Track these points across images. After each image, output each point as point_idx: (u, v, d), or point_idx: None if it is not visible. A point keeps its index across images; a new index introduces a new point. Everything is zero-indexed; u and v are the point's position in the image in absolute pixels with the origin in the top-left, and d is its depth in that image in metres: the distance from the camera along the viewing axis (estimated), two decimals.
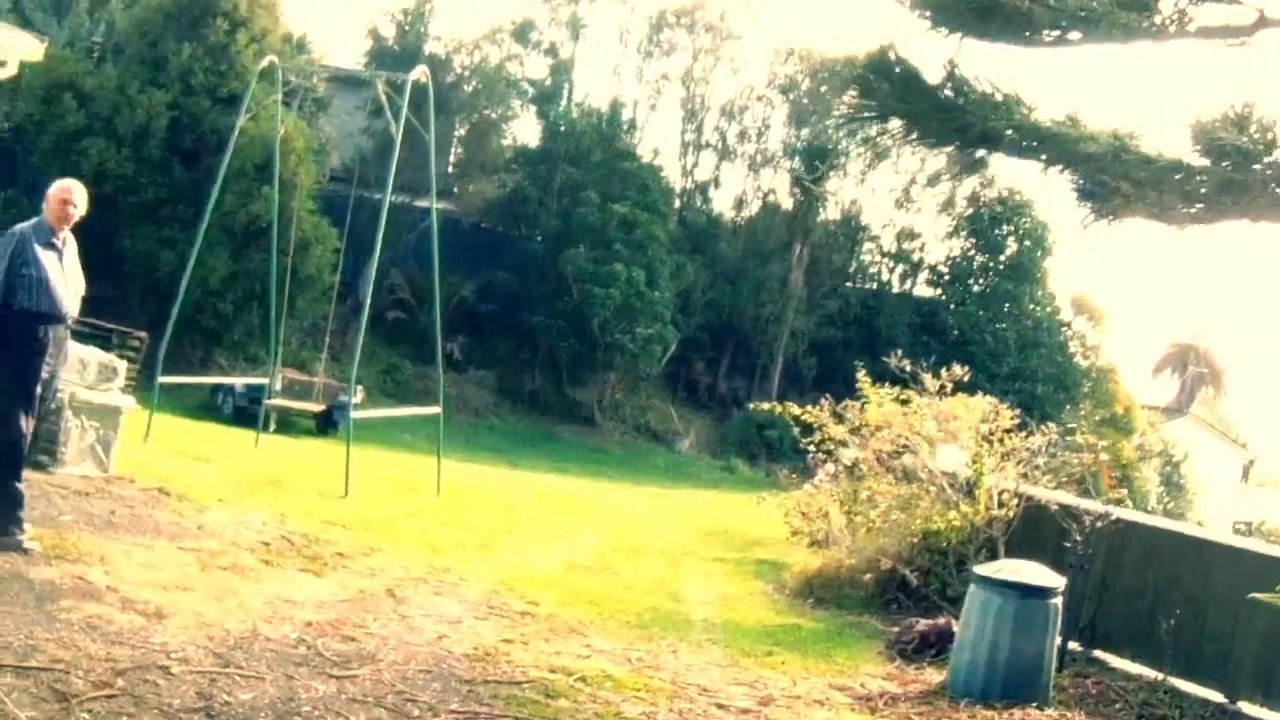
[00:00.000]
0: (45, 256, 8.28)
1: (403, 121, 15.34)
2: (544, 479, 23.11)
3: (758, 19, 41.03)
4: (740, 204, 41.32)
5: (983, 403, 14.67)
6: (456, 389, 30.47)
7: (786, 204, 40.85)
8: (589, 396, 34.61)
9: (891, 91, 8.13)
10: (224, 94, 24.89)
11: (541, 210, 34.02)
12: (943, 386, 14.95)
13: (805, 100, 40.47)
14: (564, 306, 32.76)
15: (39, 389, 8.36)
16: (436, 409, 16.52)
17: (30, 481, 9.99)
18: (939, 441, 15.31)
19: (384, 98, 17.14)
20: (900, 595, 13.24)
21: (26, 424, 8.30)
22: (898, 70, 8.01)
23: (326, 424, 21.90)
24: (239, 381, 21.91)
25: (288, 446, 18.67)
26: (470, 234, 33.44)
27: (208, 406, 22.60)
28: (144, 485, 11.46)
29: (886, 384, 15.57)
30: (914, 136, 8.54)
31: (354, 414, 14.78)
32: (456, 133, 34.76)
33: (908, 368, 15.04)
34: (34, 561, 7.98)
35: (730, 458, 34.05)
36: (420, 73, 16.14)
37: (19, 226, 8.45)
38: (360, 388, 23.64)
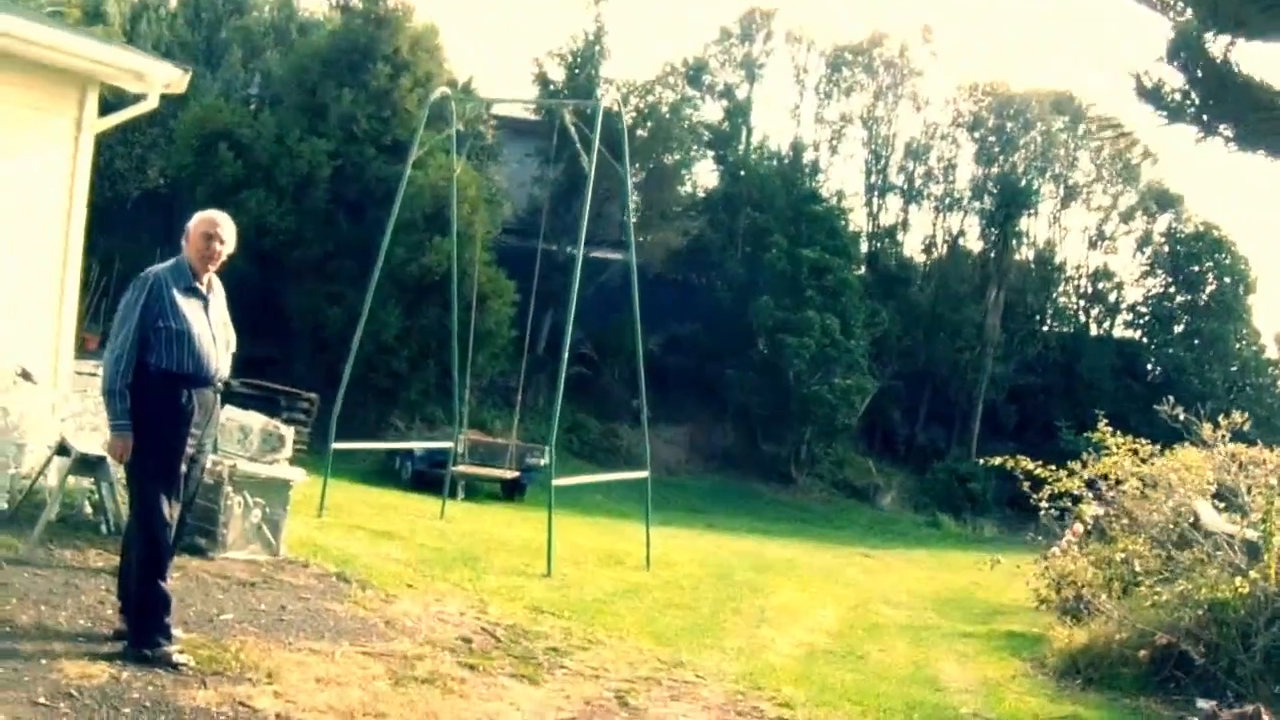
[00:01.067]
0: (187, 305, 6.59)
1: (595, 155, 13.46)
2: (748, 542, 21.26)
3: (938, 54, 39.12)
4: (929, 247, 39.38)
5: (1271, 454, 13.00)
6: (638, 446, 28.69)
7: (977, 245, 38.90)
8: (784, 451, 32.70)
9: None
10: (388, 141, 23.61)
11: (726, 257, 32.30)
12: (1222, 435, 13.36)
13: (991, 138, 38.40)
14: (755, 358, 31.09)
15: (184, 466, 6.64)
16: (644, 473, 14.60)
17: (185, 570, 8.27)
18: (1202, 494, 13.51)
19: (571, 129, 15.40)
20: (1178, 673, 11.31)
21: (170, 510, 6.55)
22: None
23: (514, 488, 20.15)
24: (419, 446, 20.27)
25: (476, 516, 16.91)
26: (653, 284, 31.62)
27: (384, 471, 21.08)
28: (319, 570, 9.67)
29: (1092, 432, 15.02)
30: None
31: (556, 481, 12.86)
32: (633, 179, 33.12)
33: (1181, 415, 13.42)
34: (185, 681, 6.18)
35: (935, 512, 32.40)
36: (612, 100, 14.42)
37: (153, 269, 6.72)
38: (549, 448, 21.99)
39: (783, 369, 30.35)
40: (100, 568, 8.12)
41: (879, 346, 34.28)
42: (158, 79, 11.17)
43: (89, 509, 9.79)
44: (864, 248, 37.32)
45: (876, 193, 38.76)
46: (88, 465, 8.74)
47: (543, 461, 21.50)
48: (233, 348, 6.91)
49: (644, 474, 14.49)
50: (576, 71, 30.24)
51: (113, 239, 21.55)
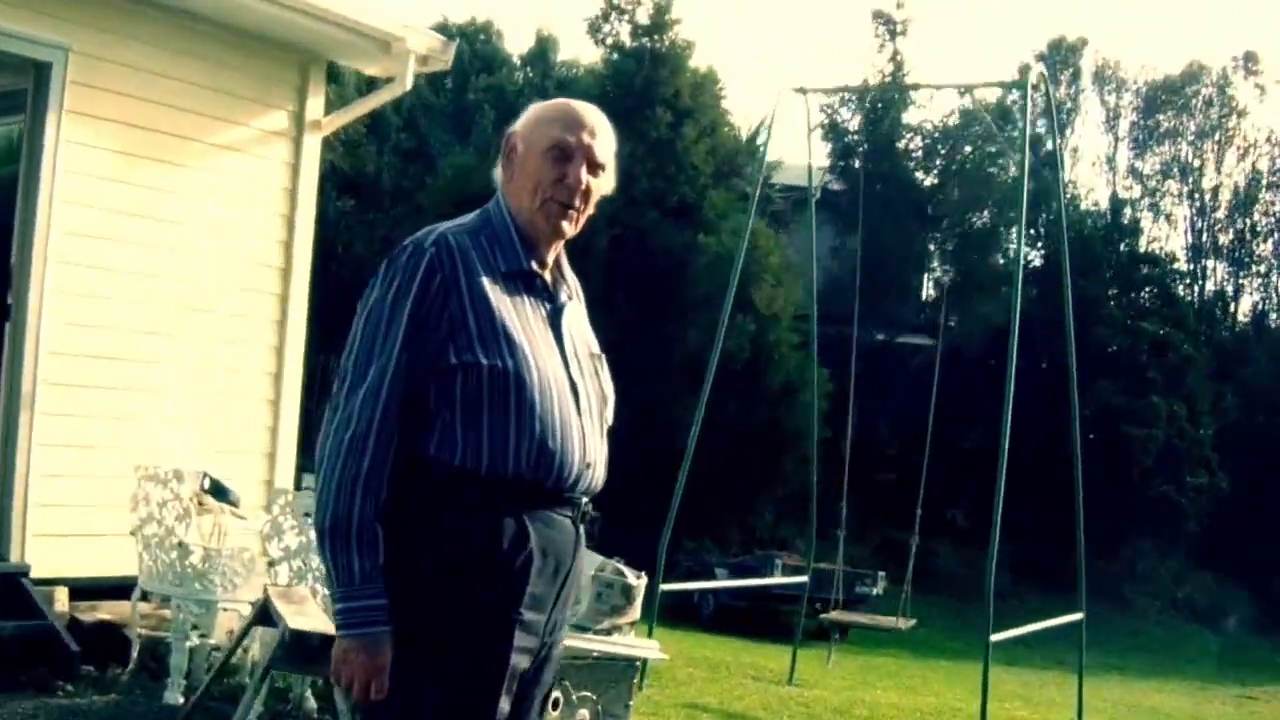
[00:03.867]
0: (516, 314, 2.55)
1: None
2: (1118, 686, 16.50)
3: (1265, 90, 33.74)
4: (1261, 315, 33.89)
5: None
6: (964, 568, 24.17)
7: None
8: (1116, 566, 27.53)
9: None
10: (673, 203, 19.79)
11: (1052, 331, 27.73)
12: None
13: None
14: (1090, 453, 26.16)
15: (506, 701, 2.51)
16: (1077, 615, 10.14)
17: None
18: None
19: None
20: None
21: None
22: None
23: (843, 628, 15.81)
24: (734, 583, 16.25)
25: (827, 672, 12.59)
26: (970, 369, 27.28)
27: (678, 609, 17.06)
28: None
29: None
30: None
31: (996, 636, 8.29)
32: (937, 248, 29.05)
33: None
34: None
35: None
36: (1037, 74, 10.49)
37: (431, 232, 2.57)
38: (882, 575, 17.81)
39: (1126, 466, 25.50)
40: None
41: (1220, 437, 29.06)
42: (412, 49, 7.58)
43: (311, 703, 6.06)
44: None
45: (1200, 254, 33.56)
46: (306, 653, 4.83)
47: (875, 590, 17.58)
48: (610, 417, 2.87)
49: (1078, 616, 10.06)
50: (877, 118, 26.26)
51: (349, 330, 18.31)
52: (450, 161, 21.48)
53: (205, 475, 6.50)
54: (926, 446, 13.77)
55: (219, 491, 6.49)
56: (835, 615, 12.39)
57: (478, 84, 26.12)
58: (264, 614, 5.17)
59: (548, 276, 2.67)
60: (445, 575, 2.44)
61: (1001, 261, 28.74)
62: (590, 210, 2.66)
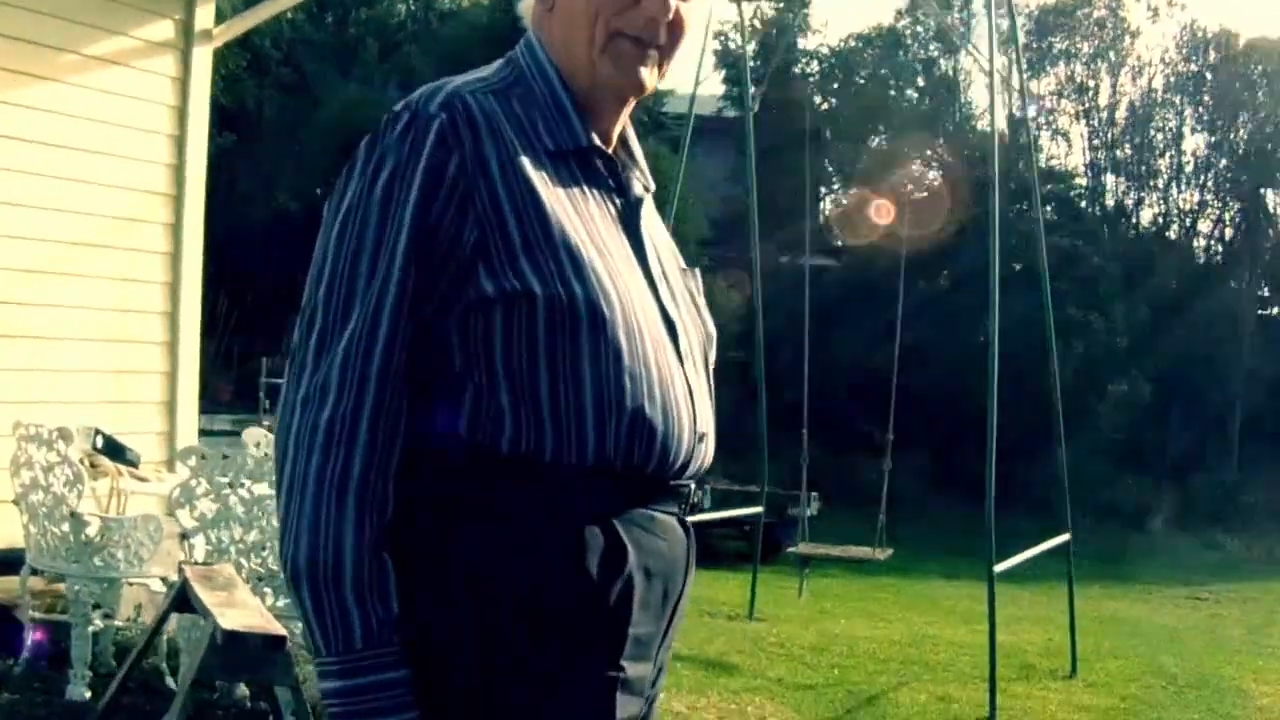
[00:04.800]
0: (578, 212, 1.66)
1: None
2: (1062, 594, 16.25)
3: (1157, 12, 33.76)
4: (1161, 229, 34.13)
5: None
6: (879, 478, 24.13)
7: (1212, 223, 34.14)
8: (1038, 475, 27.70)
9: None
10: None
11: (960, 253, 27.71)
12: None
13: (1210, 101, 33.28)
14: (1008, 366, 26.14)
15: None
16: (1064, 536, 9.48)
17: None
18: None
19: None
20: None
21: None
22: None
23: (769, 549, 14.90)
24: None
25: (778, 602, 11.91)
26: (880, 290, 27.29)
27: None
28: None
29: None
30: None
31: (1000, 565, 7.42)
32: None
33: None
34: None
35: (1215, 534, 27.01)
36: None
37: (439, 90, 1.63)
38: (815, 496, 17.09)
39: (1044, 378, 25.50)
40: None
41: (1135, 346, 29.40)
42: None
43: (243, 690, 5.26)
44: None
45: (1098, 171, 33.66)
46: (242, 658, 3.94)
47: (810, 512, 16.87)
48: (713, 353, 1.86)
49: (1064, 538, 9.46)
50: (772, 43, 25.65)
51: (241, 269, 17.88)
52: (334, 94, 20.59)
53: (97, 432, 5.62)
54: (894, 363, 13.61)
55: (114, 450, 5.62)
56: (804, 548, 11.68)
57: (359, 17, 24.97)
58: (182, 600, 4.34)
59: (614, 158, 1.77)
60: (499, 626, 1.57)
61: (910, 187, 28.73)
62: (673, 58, 1.76)
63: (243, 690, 5.23)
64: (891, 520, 13.62)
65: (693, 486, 1.75)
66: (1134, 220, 33.98)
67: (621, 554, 1.61)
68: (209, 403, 8.90)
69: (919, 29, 31.45)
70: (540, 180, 1.61)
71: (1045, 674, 9.12)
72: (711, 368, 1.81)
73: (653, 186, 1.83)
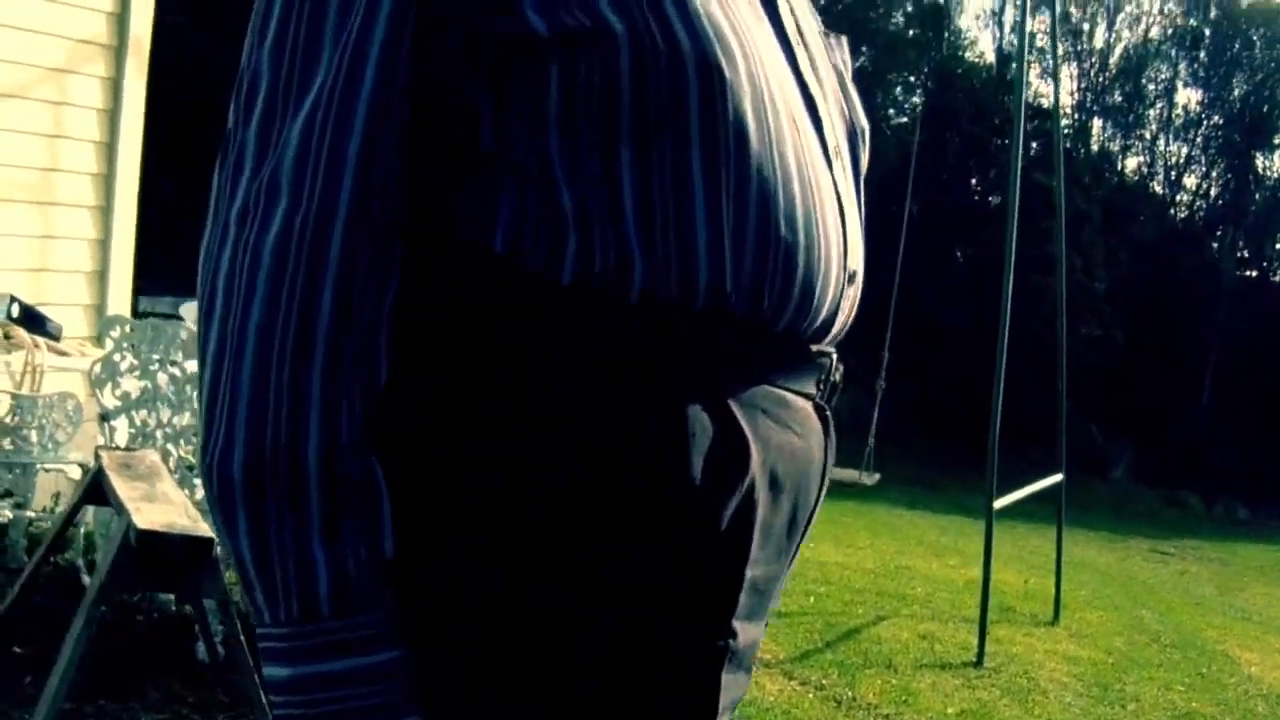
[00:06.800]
0: None
1: None
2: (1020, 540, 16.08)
3: None
4: (1147, 177, 33.97)
5: None
6: (845, 408, 23.72)
7: (1199, 179, 33.74)
8: (1024, 415, 27.63)
9: None
10: None
11: (941, 181, 27.45)
12: None
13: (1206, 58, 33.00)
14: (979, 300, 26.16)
15: None
16: (1056, 477, 8.84)
17: None
18: None
19: None
20: None
21: None
22: None
23: None
24: None
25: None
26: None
27: None
28: None
29: None
30: None
31: (999, 502, 6.82)
32: None
33: None
34: None
35: (1177, 490, 27.48)
36: None
37: None
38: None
39: (1029, 315, 25.38)
40: None
41: (1113, 291, 29.66)
42: None
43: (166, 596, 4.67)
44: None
45: (1086, 114, 33.31)
46: (160, 565, 3.25)
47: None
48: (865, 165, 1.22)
49: (1056, 478, 8.87)
50: None
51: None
52: None
53: (13, 300, 4.96)
54: (895, 278, 13.17)
55: (32, 320, 4.96)
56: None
57: None
58: (96, 490, 3.70)
59: None
60: (546, 572, 0.94)
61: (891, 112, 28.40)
62: None
63: (166, 594, 4.64)
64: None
65: (834, 357, 1.12)
66: (1119, 167, 33.72)
67: (742, 453, 0.99)
68: (151, 283, 8.20)
69: None
70: None
71: (1027, 619, 8.73)
72: (863, 175, 1.17)
73: None
